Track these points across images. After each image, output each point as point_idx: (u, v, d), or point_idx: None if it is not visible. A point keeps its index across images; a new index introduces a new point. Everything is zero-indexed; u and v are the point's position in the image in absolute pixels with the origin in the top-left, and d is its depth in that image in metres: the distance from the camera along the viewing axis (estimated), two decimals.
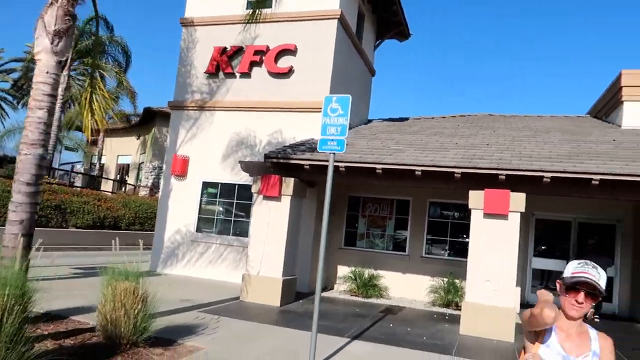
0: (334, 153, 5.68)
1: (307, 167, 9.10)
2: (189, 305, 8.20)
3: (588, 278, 2.09)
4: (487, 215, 8.11)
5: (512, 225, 8.01)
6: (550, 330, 2.13)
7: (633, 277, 11.47)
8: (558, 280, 2.23)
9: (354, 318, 8.62)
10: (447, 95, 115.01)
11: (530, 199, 12.60)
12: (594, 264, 2.15)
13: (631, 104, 11.48)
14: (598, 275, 2.13)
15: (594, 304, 2.13)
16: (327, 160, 9.30)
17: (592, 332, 2.22)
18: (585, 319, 2.19)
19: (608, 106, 12.89)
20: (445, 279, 10.93)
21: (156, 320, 5.66)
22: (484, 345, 7.40)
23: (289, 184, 9.41)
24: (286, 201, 9.45)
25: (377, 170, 8.63)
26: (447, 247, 11.88)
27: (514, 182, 8.06)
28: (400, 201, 12.26)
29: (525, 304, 11.62)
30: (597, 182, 7.45)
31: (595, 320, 2.17)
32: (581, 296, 2.12)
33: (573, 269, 2.16)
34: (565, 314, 2.16)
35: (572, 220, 12.35)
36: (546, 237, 12.87)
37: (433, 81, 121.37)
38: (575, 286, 2.12)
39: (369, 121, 14.77)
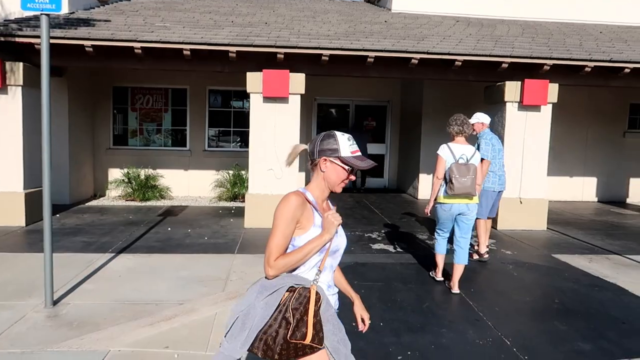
0: (47, 15, 4.00)
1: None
2: None
3: (364, 159, 2.03)
4: (267, 99, 7.40)
5: (293, 109, 7.50)
6: (314, 208, 2.03)
7: (400, 154, 12.56)
8: (326, 157, 2.01)
9: (124, 227, 7.41)
10: None
11: (313, 85, 12.51)
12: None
13: None
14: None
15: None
16: (77, 38, 7.31)
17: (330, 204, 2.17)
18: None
19: None
20: (231, 172, 10.30)
21: None
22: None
23: (18, 70, 7.14)
24: (16, 93, 7.22)
25: (137, 50, 7.01)
26: (232, 139, 11.13)
27: (294, 62, 7.42)
28: (176, 90, 10.79)
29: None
30: (372, 60, 7.26)
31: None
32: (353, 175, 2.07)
33: (349, 147, 2.02)
34: (330, 188, 2.07)
35: (350, 103, 12.71)
36: (327, 121, 13.12)
37: None
38: (351, 165, 2.00)
39: None
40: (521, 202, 7.84)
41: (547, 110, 7.89)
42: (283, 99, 7.41)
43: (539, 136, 7.93)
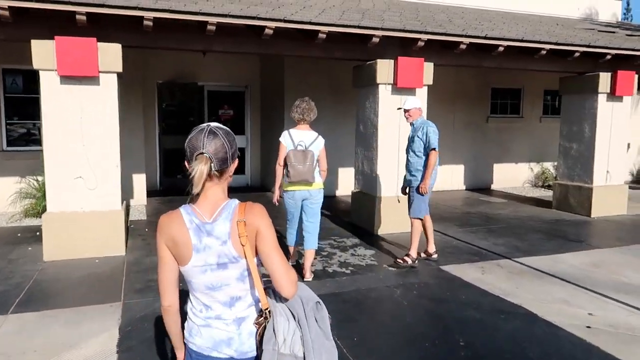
0: None
1: None
2: None
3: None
4: (67, 79, 5.29)
5: (106, 93, 5.48)
6: None
7: (262, 146, 11.03)
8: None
9: None
10: None
11: (152, 65, 10.38)
12: None
13: None
14: None
15: None
16: None
17: None
18: None
19: None
20: (41, 178, 7.81)
21: None
22: (80, 274, 5.03)
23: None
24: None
25: None
26: (41, 134, 8.55)
27: (105, 27, 5.41)
28: None
29: (158, 191, 9.82)
30: (213, 28, 5.55)
31: None
32: None
33: None
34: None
35: (202, 88, 10.82)
36: (174, 111, 11.14)
37: None
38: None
39: None
40: (399, 201, 6.79)
41: (422, 94, 6.91)
42: (91, 80, 5.35)
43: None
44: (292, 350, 1.61)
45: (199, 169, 1.54)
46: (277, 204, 4.89)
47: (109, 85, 5.44)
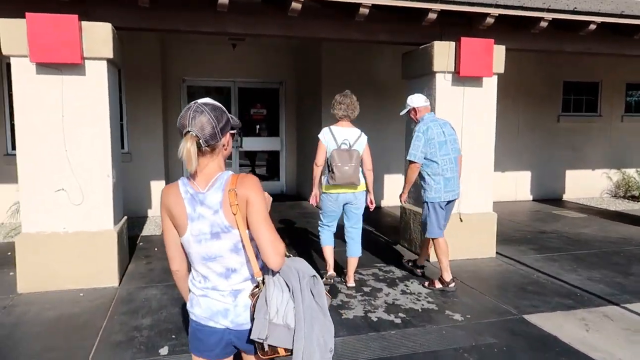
0: None
1: None
2: None
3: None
4: (43, 67, 4.24)
5: (94, 84, 4.40)
6: None
7: (299, 149, 9.85)
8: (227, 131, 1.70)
9: None
10: None
11: (179, 61, 9.43)
12: None
13: None
14: None
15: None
16: None
17: None
18: None
19: None
20: None
21: None
22: (53, 314, 3.97)
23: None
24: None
25: None
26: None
27: (93, 2, 4.34)
28: None
29: None
30: (225, 2, 4.38)
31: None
32: None
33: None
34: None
35: (232, 85, 9.77)
36: None
37: None
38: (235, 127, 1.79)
39: None
40: (461, 220, 5.40)
41: (491, 85, 5.49)
42: (73, 68, 4.28)
43: (483, 123, 5.52)
44: (285, 321, 1.64)
45: (185, 148, 1.58)
46: (314, 205, 4.46)
47: (98, 75, 4.36)
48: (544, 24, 5.30)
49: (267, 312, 1.62)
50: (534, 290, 4.53)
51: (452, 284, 4.41)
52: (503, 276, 4.96)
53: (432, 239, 4.47)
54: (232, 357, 1.81)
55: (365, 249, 5.25)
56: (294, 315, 1.63)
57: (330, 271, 4.48)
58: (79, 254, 4.44)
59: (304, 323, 1.62)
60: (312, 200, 4.41)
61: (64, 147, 4.35)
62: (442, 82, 5.30)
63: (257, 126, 10.17)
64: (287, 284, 1.67)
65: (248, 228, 1.64)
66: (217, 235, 1.65)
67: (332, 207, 4.33)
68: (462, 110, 5.35)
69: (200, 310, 1.72)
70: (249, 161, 10.55)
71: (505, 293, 4.45)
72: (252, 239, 1.65)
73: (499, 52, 5.32)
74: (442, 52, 5.21)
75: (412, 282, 4.71)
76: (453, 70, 5.24)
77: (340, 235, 4.61)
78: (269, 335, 1.61)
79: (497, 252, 5.67)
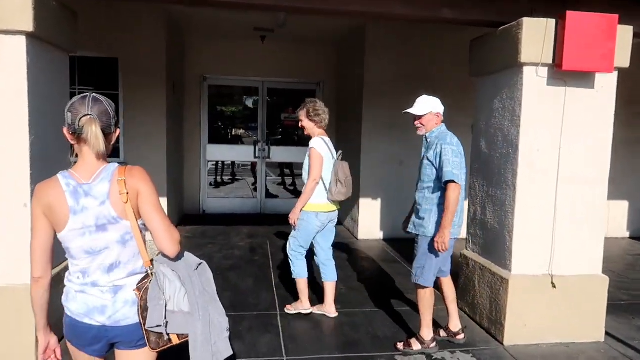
0: None
1: None
2: None
3: None
4: None
5: (4, 65, 3.01)
6: None
7: None
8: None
9: None
10: None
11: (199, 57, 8.15)
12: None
13: None
14: None
15: None
16: None
17: None
18: None
19: None
20: None
21: None
22: None
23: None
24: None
25: None
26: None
27: None
28: None
29: (200, 216, 7.44)
30: None
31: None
32: None
33: None
34: None
35: (260, 85, 8.39)
36: (224, 112, 8.89)
37: None
38: None
39: None
40: (554, 285, 3.61)
41: (609, 85, 3.68)
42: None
43: (594, 142, 3.70)
44: (180, 307, 1.67)
45: (91, 130, 1.56)
46: (293, 224, 3.91)
47: (11, 52, 2.96)
48: None
49: (162, 298, 1.63)
50: None
51: (433, 344, 3.49)
52: None
53: (419, 288, 3.42)
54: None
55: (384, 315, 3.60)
56: (188, 302, 1.66)
57: (309, 306, 4.04)
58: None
59: (199, 307, 1.67)
60: (294, 219, 3.87)
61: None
62: (533, 80, 3.52)
63: (291, 134, 8.75)
64: (176, 274, 1.68)
65: (139, 217, 1.64)
66: (103, 227, 1.62)
67: (317, 228, 3.92)
68: (561, 122, 3.57)
69: (76, 305, 1.67)
70: (280, 173, 9.18)
71: None
72: (143, 230, 1.67)
73: (625, 35, 3.51)
74: (535, 35, 3.45)
75: None
76: (551, 61, 3.47)
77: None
78: (168, 322, 1.63)
79: (605, 332, 3.82)
